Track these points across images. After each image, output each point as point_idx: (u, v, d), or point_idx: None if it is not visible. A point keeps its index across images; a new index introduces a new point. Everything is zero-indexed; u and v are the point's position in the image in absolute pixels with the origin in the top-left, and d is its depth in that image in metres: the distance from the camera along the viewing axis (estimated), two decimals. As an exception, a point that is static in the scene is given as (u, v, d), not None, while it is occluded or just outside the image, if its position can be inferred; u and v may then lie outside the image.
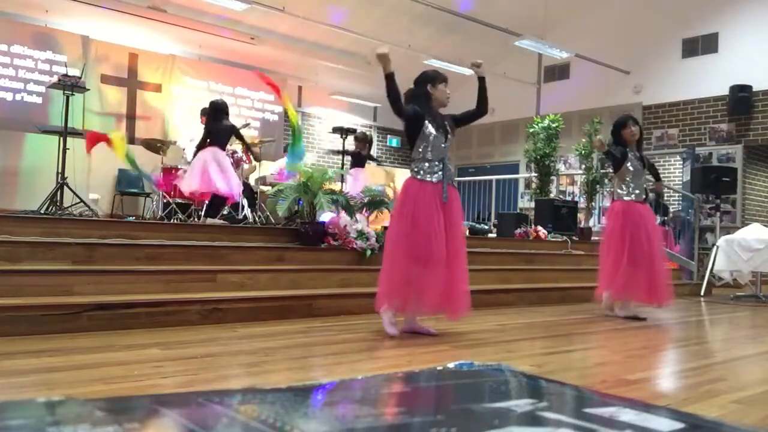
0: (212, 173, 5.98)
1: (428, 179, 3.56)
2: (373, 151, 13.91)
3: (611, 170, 5.33)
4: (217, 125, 6.27)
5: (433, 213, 3.49)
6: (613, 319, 5.01)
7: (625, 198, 4.90)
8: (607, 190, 10.47)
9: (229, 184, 6.12)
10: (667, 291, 4.84)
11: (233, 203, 6.90)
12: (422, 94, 3.69)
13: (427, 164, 3.59)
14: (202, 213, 6.46)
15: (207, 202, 6.39)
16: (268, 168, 8.68)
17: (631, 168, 4.88)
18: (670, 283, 5.02)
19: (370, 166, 8.49)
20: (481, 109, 3.80)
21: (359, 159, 7.99)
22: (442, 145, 3.62)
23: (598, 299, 5.01)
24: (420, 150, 3.61)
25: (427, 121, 3.62)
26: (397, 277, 3.50)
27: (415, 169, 3.61)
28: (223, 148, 6.28)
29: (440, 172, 3.58)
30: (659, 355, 3.63)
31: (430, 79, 3.70)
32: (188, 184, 6.16)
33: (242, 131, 8.05)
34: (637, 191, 4.92)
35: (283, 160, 8.87)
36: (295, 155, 6.42)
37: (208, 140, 6.24)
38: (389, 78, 3.59)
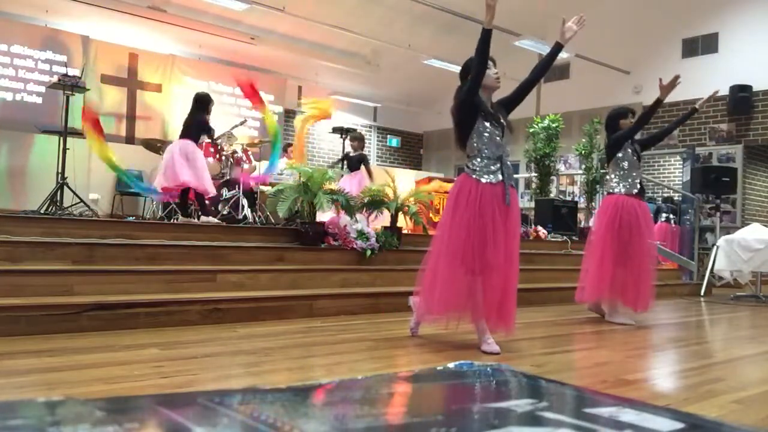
0: (177, 167, 5.88)
1: (485, 180, 3.22)
2: (373, 152, 13.96)
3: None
4: (194, 117, 6.14)
5: (490, 218, 3.16)
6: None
7: (616, 191, 4.67)
8: (607, 190, 10.46)
9: (196, 177, 5.95)
10: (649, 296, 4.58)
11: (213, 199, 6.82)
12: None
13: (484, 162, 3.24)
14: (180, 212, 6.40)
15: (179, 200, 6.33)
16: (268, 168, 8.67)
17: (625, 159, 4.66)
18: (654, 285, 4.69)
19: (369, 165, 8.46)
20: (541, 74, 3.47)
21: (356, 162, 7.97)
22: (498, 139, 3.26)
23: (578, 300, 4.75)
24: (475, 145, 3.26)
25: (480, 116, 3.25)
26: (441, 287, 3.22)
27: (471, 167, 3.26)
28: (194, 140, 6.11)
29: (499, 173, 3.23)
30: (659, 355, 3.63)
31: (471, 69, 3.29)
32: (158, 181, 6.14)
33: (240, 129, 8.05)
34: (628, 183, 4.66)
35: (284, 160, 8.88)
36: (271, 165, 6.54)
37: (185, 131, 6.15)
38: (488, 35, 3.17)
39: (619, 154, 4.69)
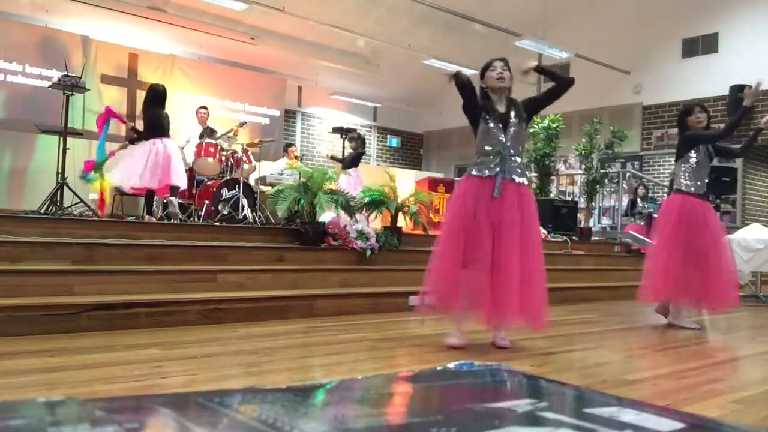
0: (134, 167, 5.86)
1: (475, 173, 3.31)
2: (373, 152, 13.98)
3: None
4: (150, 112, 6.10)
5: (473, 211, 3.21)
6: (612, 319, 5.01)
7: (684, 189, 4.53)
8: (607, 190, 10.45)
9: (145, 176, 5.86)
10: (723, 295, 4.40)
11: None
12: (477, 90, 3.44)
13: (480, 158, 3.33)
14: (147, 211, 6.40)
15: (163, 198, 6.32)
16: (268, 168, 8.68)
17: (698, 159, 4.53)
18: (733, 285, 4.51)
19: (369, 165, 8.56)
20: (559, 87, 3.52)
21: (356, 158, 8.08)
22: (501, 136, 3.31)
23: (643, 300, 4.63)
24: (477, 144, 3.38)
25: (483, 118, 3.35)
26: (439, 279, 3.28)
27: (471, 164, 3.38)
28: (161, 135, 6.05)
29: (494, 166, 3.26)
30: (659, 355, 3.63)
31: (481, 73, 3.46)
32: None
33: (240, 130, 8.05)
34: (698, 183, 4.56)
35: (284, 160, 8.89)
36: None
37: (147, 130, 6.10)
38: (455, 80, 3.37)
39: (692, 153, 4.56)
